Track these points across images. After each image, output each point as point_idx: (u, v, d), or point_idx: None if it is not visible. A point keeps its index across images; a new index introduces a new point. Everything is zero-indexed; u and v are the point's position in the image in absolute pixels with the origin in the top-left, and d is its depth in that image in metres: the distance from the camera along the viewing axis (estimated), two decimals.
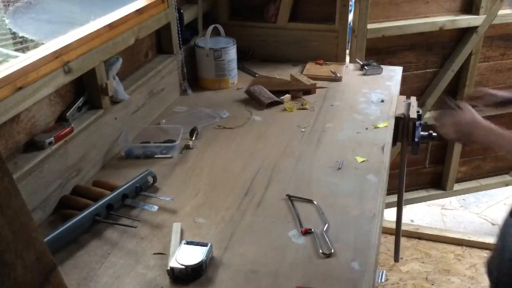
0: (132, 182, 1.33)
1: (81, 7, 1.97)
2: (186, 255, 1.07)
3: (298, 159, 1.51)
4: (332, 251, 1.12)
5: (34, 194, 1.22)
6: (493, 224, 3.06)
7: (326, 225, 1.20)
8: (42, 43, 1.37)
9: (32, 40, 1.70)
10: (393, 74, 2.15)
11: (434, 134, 1.72)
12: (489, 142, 1.48)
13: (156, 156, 1.54)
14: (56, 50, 1.29)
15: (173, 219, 1.25)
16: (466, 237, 2.62)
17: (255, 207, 1.29)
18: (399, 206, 2.05)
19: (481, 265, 2.43)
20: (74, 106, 1.40)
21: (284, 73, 2.14)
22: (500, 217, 3.00)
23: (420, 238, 2.66)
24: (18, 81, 1.16)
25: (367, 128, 1.69)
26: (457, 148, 2.87)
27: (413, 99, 1.89)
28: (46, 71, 1.25)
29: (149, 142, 1.58)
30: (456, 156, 2.90)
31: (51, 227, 1.19)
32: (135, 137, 1.64)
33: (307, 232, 1.18)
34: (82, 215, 1.19)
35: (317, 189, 1.36)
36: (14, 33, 1.75)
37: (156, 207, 1.26)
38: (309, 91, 1.97)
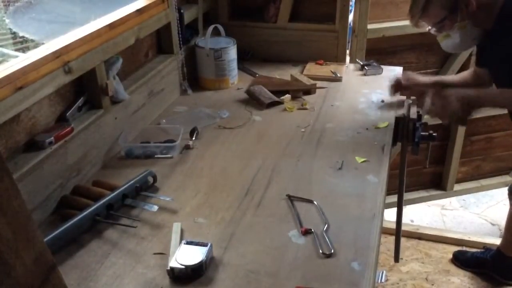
0: (132, 182, 1.33)
1: (81, 7, 1.97)
2: (186, 255, 1.07)
3: (298, 159, 1.51)
4: (332, 251, 1.11)
5: (34, 194, 1.22)
6: (493, 225, 3.06)
7: (326, 225, 1.20)
8: (42, 43, 1.37)
9: (32, 40, 1.70)
10: (394, 74, 2.14)
11: (434, 134, 1.72)
12: (494, 103, 1.69)
13: (156, 156, 1.54)
14: (56, 50, 1.29)
15: (173, 219, 1.25)
16: (466, 238, 2.62)
17: (255, 207, 1.29)
18: (399, 206, 2.04)
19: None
20: (74, 106, 1.40)
21: (284, 73, 2.14)
22: (500, 217, 3.02)
23: (420, 238, 2.65)
24: (18, 81, 1.16)
25: (367, 128, 1.69)
26: (457, 149, 2.87)
27: (414, 99, 1.89)
28: (46, 71, 1.25)
29: (149, 142, 1.58)
30: (456, 157, 2.90)
31: (51, 227, 1.19)
32: (135, 137, 1.64)
33: (307, 232, 1.18)
34: (82, 215, 1.19)
35: (317, 189, 1.36)
36: (14, 33, 1.75)
37: (156, 207, 1.26)
38: (309, 91, 1.97)
